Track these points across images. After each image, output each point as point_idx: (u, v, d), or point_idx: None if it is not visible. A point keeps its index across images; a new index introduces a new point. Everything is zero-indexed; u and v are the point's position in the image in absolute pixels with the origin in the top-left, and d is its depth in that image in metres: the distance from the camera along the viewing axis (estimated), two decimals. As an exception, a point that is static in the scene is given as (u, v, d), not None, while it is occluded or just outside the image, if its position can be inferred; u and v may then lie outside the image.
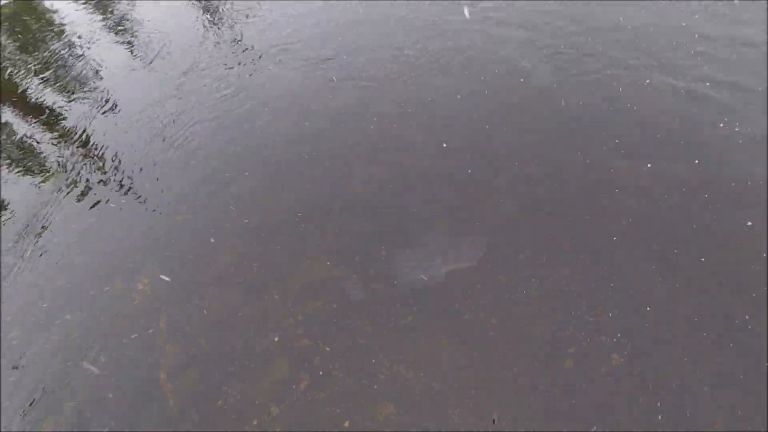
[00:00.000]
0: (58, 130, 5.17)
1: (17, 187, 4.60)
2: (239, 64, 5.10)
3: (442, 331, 2.76)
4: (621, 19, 4.64)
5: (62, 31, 6.78)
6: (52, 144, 5.04)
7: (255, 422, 2.61)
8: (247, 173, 3.91)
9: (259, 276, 3.22)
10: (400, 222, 3.33)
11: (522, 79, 4.19)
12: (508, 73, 4.29)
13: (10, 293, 3.54)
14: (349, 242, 3.29)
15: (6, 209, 4.48)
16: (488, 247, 3.09)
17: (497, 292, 2.88)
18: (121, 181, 4.18)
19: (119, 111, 5.04)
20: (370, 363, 2.69)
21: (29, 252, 3.83)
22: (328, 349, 2.82)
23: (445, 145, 3.76)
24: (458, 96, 4.16)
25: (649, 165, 3.34)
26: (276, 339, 2.92)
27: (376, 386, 2.62)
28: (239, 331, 2.97)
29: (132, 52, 5.83)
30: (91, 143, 4.80)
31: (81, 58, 6.11)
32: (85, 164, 4.59)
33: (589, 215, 3.13)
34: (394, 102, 4.23)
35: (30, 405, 2.85)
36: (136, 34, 6.23)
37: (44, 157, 4.92)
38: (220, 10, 6.21)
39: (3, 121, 5.64)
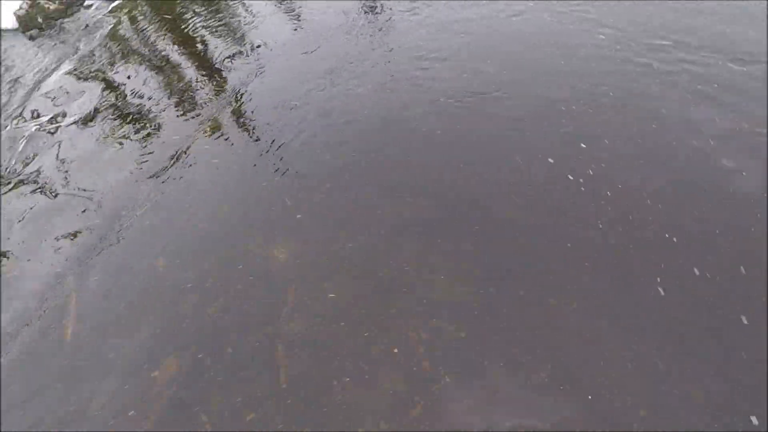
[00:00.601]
0: (215, 86, 5.53)
1: (175, 123, 4.99)
2: (385, 63, 5.07)
3: (583, 406, 2.47)
4: None
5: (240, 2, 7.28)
6: (210, 96, 5.40)
7: (360, 430, 2.53)
8: (391, 169, 3.86)
9: (390, 278, 3.13)
10: (550, 273, 3.06)
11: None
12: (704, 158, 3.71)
13: (160, 217, 3.83)
14: (489, 268, 3.09)
15: (160, 137, 4.89)
16: (646, 326, 2.73)
17: (651, 378, 2.53)
18: (269, 149, 4.33)
19: (268, 88, 5.22)
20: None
21: (171, 186, 4.12)
22: (448, 379, 2.66)
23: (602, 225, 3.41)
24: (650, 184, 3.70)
25: None
26: (395, 350, 2.82)
27: (494, 440, 2.42)
28: (362, 329, 2.91)
29: (294, 37, 6.01)
30: (242, 107, 5.06)
31: (250, 29, 6.46)
32: (237, 125, 4.84)
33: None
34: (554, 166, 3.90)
35: (154, 343, 3.03)
36: (303, 22, 6.42)
37: (202, 105, 5.28)
38: (384, 9, 6.23)
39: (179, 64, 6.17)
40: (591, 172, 3.56)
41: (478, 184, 3.63)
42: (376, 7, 6.37)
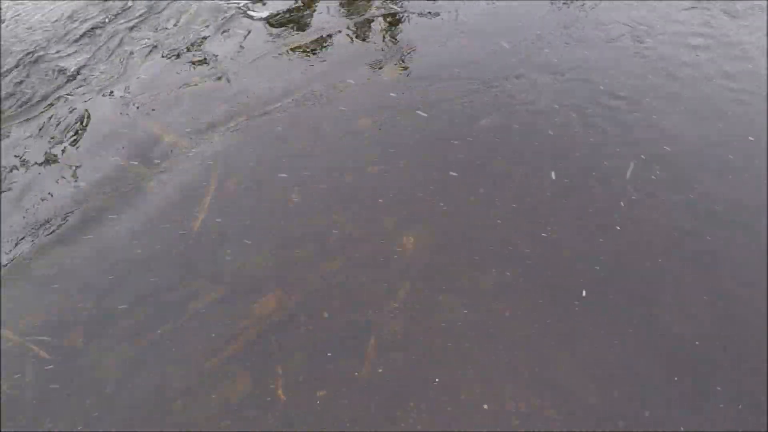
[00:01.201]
0: (392, 35, 5.25)
1: (345, 52, 4.89)
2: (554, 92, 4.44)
3: None
4: None
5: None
6: (384, 41, 5.15)
7: (421, 471, 2.35)
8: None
9: (512, 328, 2.80)
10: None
11: None
12: None
13: (308, 143, 3.78)
14: (623, 368, 2.66)
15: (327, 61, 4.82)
16: None
17: None
18: (427, 131, 4.03)
19: (437, 61, 4.82)
20: None
21: (326, 122, 4.01)
22: (531, 470, 2.36)
23: None
24: None
25: None
26: (485, 406, 2.56)
27: None
28: (460, 365, 2.66)
29: (482, 21, 5.43)
30: (410, 67, 4.77)
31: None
32: (401, 82, 4.57)
33: None
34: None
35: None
36: (500, 7, 5.79)
37: (373, 47, 5.07)
38: (587, 17, 5.40)
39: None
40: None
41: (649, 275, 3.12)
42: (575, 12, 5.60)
